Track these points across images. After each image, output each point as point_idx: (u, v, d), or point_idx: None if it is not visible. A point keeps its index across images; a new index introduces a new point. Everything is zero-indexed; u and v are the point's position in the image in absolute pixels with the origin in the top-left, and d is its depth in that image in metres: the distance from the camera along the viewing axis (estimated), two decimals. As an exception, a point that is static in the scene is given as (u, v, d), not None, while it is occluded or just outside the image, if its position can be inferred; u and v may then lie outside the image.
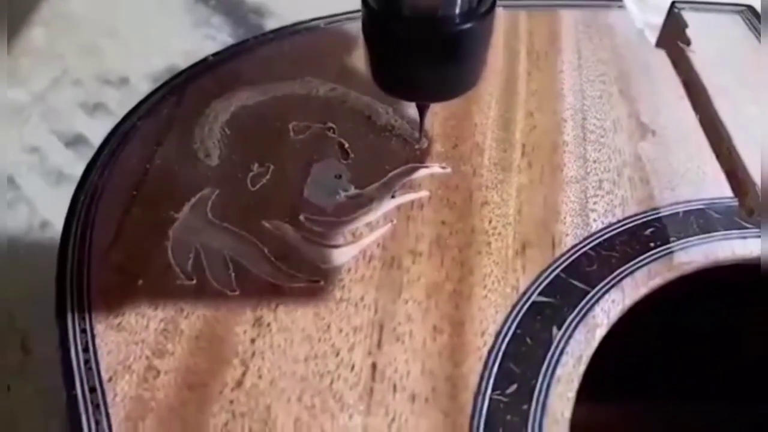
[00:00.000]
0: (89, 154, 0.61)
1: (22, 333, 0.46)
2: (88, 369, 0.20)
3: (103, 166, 0.26)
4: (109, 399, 0.19)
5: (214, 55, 0.31)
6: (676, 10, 0.34)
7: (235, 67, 0.30)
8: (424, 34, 0.21)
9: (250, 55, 0.31)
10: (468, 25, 0.21)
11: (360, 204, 0.25)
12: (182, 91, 0.29)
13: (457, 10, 0.21)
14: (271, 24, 0.70)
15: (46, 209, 0.53)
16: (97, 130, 0.60)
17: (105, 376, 0.20)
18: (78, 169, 0.60)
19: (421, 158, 0.26)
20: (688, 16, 0.33)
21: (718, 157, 0.27)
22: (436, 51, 0.22)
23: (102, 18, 0.72)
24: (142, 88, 0.63)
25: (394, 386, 0.20)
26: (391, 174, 0.26)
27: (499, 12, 0.33)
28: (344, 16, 0.33)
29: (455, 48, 0.22)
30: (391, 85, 0.23)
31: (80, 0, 0.74)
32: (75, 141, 0.58)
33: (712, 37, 0.33)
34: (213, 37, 0.68)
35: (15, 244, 0.52)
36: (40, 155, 0.57)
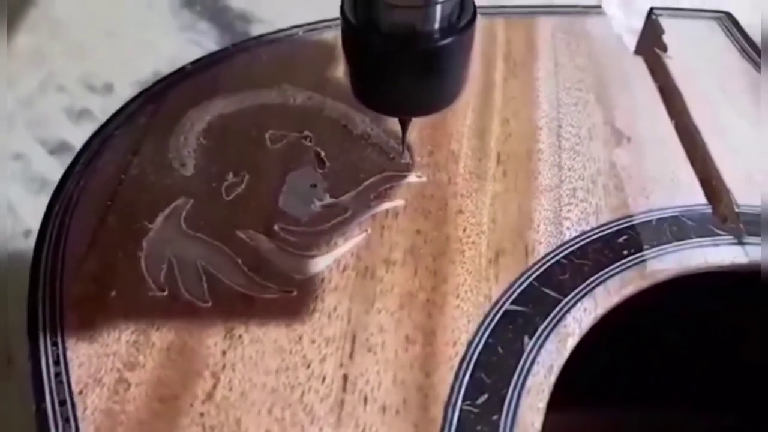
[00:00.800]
0: (72, 161, 0.60)
1: (6, 341, 0.46)
2: (59, 382, 0.20)
3: (80, 174, 0.26)
4: (79, 412, 0.19)
5: (192, 63, 0.30)
6: (653, 17, 0.34)
7: (213, 75, 0.30)
8: (403, 49, 0.21)
9: (228, 63, 0.31)
10: (448, 41, 0.21)
11: (335, 213, 0.25)
12: (160, 100, 0.29)
13: (437, 26, 0.21)
14: (257, 30, 0.70)
15: (30, 217, 0.53)
16: (81, 137, 0.60)
17: (75, 389, 0.20)
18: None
19: (396, 167, 0.26)
20: (666, 22, 0.34)
21: (693, 163, 0.27)
22: (416, 67, 0.22)
23: (87, 22, 0.72)
24: (127, 94, 0.63)
25: (365, 398, 0.20)
26: (366, 183, 0.26)
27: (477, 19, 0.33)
28: (322, 24, 0.33)
29: (435, 63, 0.22)
30: (372, 100, 0.23)
31: (66, 4, 0.74)
32: (59, 148, 0.58)
33: (689, 44, 0.33)
34: (198, 42, 0.68)
35: (-2, 252, 0.51)
36: (23, 162, 0.57)
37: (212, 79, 0.30)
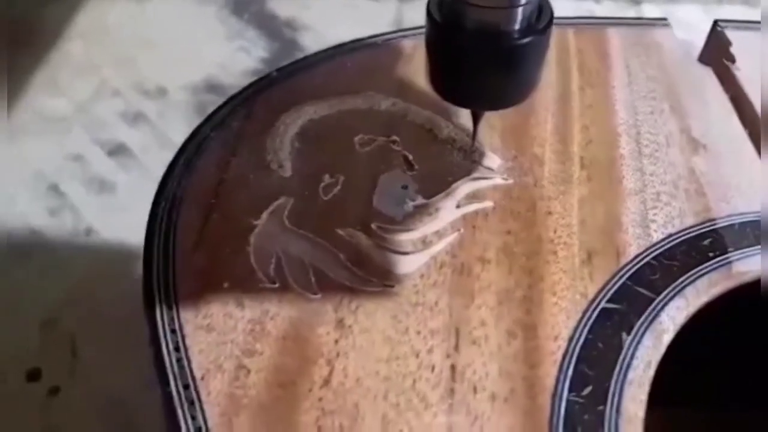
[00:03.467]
0: (130, 162, 0.63)
1: (70, 336, 0.47)
2: (181, 367, 0.21)
3: (180, 174, 0.27)
4: (203, 396, 0.20)
5: (278, 70, 0.32)
6: (719, 29, 0.35)
7: (300, 82, 0.31)
8: (485, 46, 0.23)
9: (312, 70, 0.32)
10: (526, 40, 0.22)
11: (427, 213, 0.26)
12: (250, 105, 0.30)
13: (517, 26, 0.22)
14: (304, 37, 0.72)
15: (90, 216, 0.55)
16: (137, 140, 0.62)
17: (198, 374, 0.21)
18: (120, 177, 0.61)
19: (482, 170, 0.27)
20: (730, 34, 0.35)
21: (768, 171, 0.28)
22: (494, 63, 0.23)
23: (137, 29, 0.74)
24: (180, 98, 0.65)
25: (474, 387, 0.21)
26: (454, 185, 0.27)
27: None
28: (399, 34, 0.34)
29: (513, 61, 0.23)
30: (449, 92, 0.25)
31: (116, 12, 0.76)
32: (116, 150, 0.60)
33: (754, 55, 0.34)
34: (247, 50, 0.70)
35: (60, 249, 0.53)
36: (82, 164, 0.59)
37: (299, 86, 0.31)
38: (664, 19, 0.36)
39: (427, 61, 0.24)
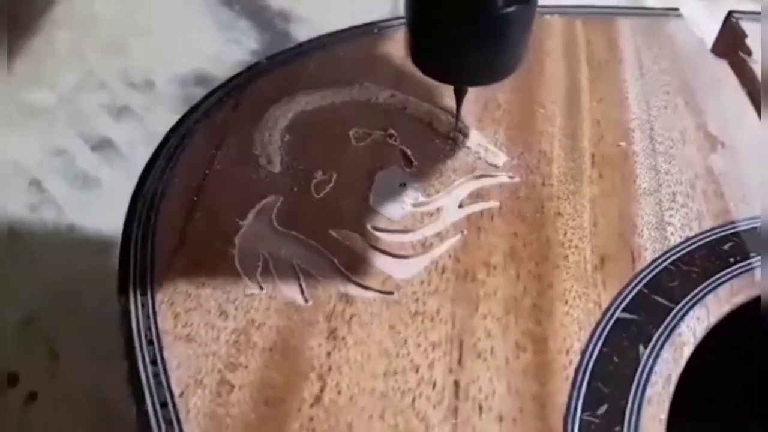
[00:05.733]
0: (115, 157, 0.60)
1: (49, 338, 0.45)
2: (158, 383, 0.19)
3: (162, 169, 0.25)
4: (182, 415, 0.19)
5: (268, 58, 0.30)
6: (733, 20, 0.33)
7: (291, 71, 0.29)
8: (466, 15, 0.21)
9: (305, 59, 0.30)
10: (510, 9, 0.21)
11: (428, 213, 0.24)
12: (238, 95, 0.28)
13: None
14: (297, 29, 0.69)
15: (73, 212, 0.53)
16: (122, 134, 0.60)
17: (176, 390, 0.19)
18: (104, 172, 0.59)
19: (487, 167, 0.25)
20: (746, 26, 0.33)
21: (790, 170, 0.26)
22: (477, 33, 0.21)
23: (125, 19, 0.71)
24: (167, 91, 0.63)
25: (480, 406, 0.19)
26: (457, 182, 0.25)
27: (555, 19, 0.33)
28: (397, 22, 0.32)
29: (496, 31, 0.21)
30: (430, 65, 0.23)
31: (104, 1, 0.74)
32: (101, 144, 0.57)
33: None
34: (238, 41, 0.68)
35: (40, 246, 0.51)
36: (65, 158, 0.56)
37: (291, 76, 0.29)
38: (676, 9, 0.34)
39: (406, 33, 0.23)
